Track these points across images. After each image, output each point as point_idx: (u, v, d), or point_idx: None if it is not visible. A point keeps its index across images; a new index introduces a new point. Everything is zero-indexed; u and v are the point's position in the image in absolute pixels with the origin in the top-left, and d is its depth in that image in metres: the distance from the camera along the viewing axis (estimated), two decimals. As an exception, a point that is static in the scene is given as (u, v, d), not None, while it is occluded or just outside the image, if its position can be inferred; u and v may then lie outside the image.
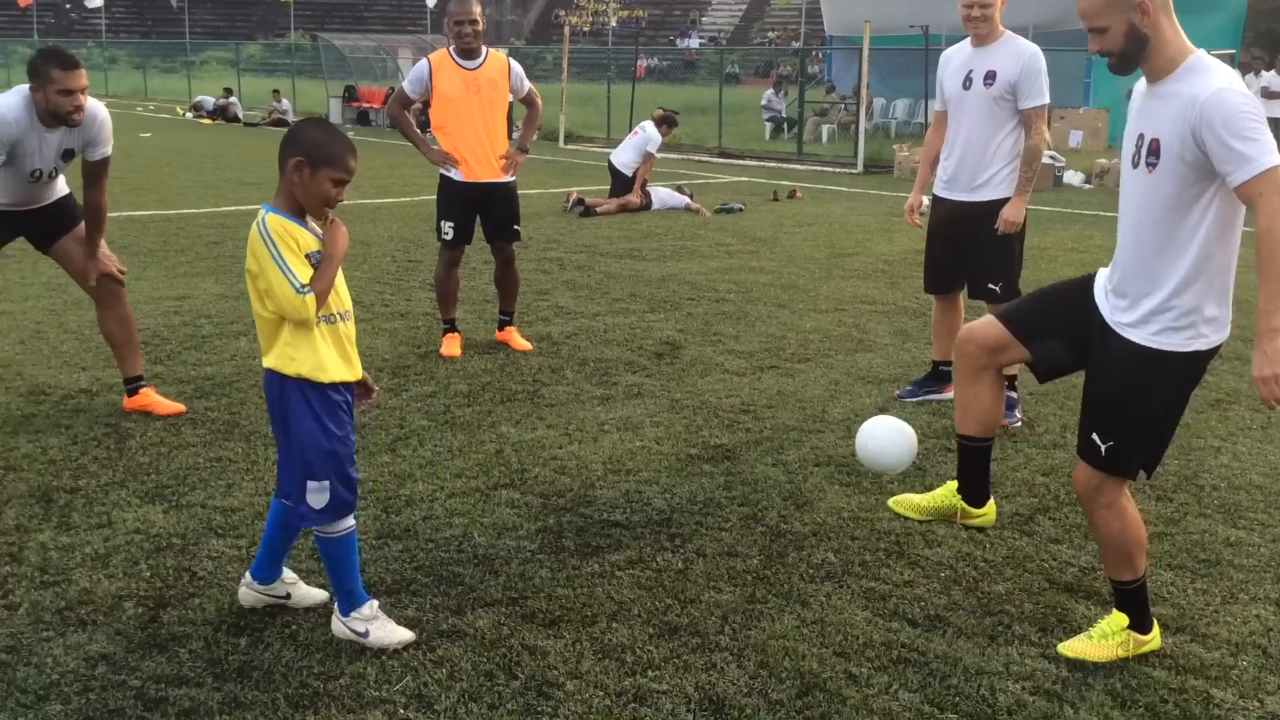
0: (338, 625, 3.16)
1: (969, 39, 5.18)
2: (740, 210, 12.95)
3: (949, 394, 5.57)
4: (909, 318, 7.42)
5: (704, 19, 66.20)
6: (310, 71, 36.72)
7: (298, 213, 3.00)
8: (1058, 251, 10.28)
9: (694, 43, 55.87)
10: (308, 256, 2.97)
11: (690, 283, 8.48)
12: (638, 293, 8.06)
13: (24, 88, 4.55)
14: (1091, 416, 3.04)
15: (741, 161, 20.36)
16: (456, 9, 5.99)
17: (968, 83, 5.10)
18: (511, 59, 6.33)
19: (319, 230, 3.04)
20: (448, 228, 6.23)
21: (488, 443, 4.81)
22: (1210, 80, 2.78)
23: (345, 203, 3.19)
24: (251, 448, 4.68)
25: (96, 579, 3.48)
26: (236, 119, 28.13)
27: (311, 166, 2.94)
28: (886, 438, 3.73)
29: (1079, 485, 3.09)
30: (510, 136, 6.45)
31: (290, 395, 2.98)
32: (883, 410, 5.32)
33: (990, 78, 5.02)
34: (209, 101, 29.47)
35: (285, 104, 28.12)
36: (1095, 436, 3.00)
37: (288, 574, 3.34)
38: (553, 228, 11.26)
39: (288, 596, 3.32)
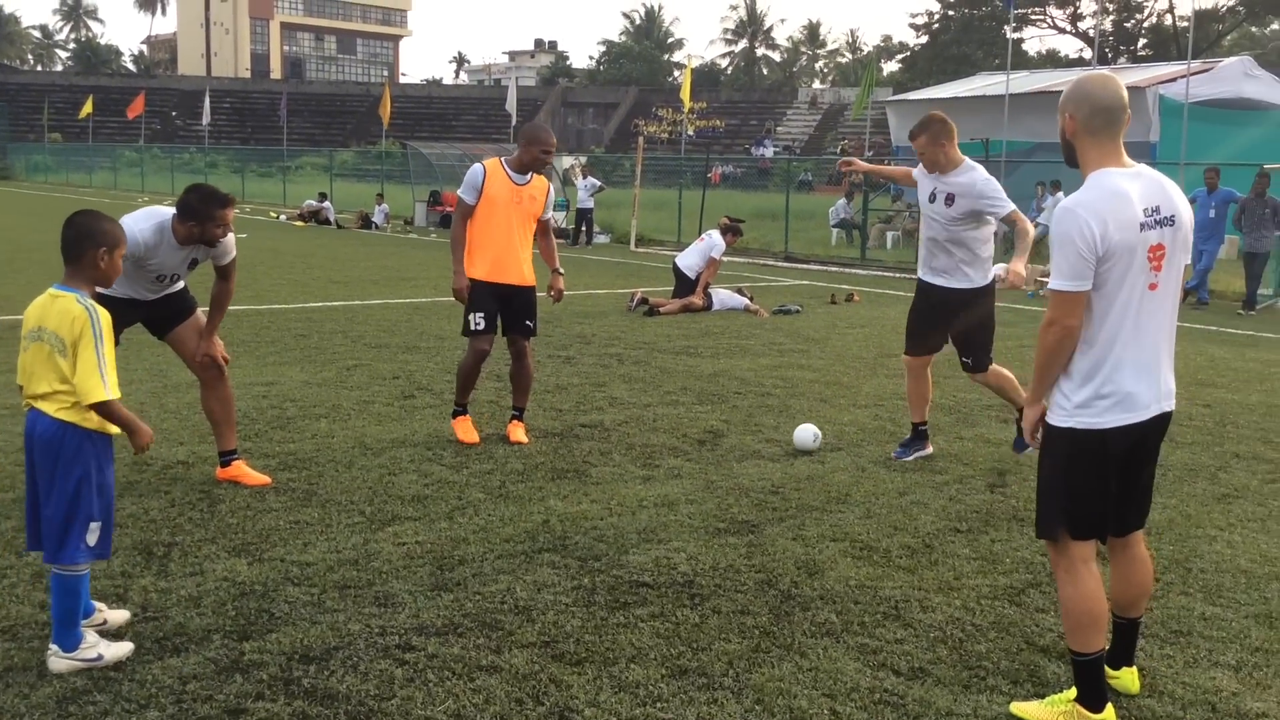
0: (61, 663, 3.56)
1: None
2: (798, 312, 13.48)
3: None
4: (943, 413, 7.83)
5: (779, 128, 67.79)
6: (399, 177, 38.50)
7: (93, 292, 3.65)
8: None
9: (768, 151, 57.25)
10: None
11: (740, 378, 8.99)
12: (689, 386, 8.60)
13: (161, 218, 5.19)
14: None
15: (806, 265, 20.95)
16: (544, 137, 6.58)
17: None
18: (551, 185, 6.84)
19: None
20: (479, 318, 6.57)
21: (536, 514, 5.33)
22: None
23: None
24: (327, 513, 5.26)
25: (189, 616, 4.04)
26: (328, 221, 29.54)
27: (112, 251, 3.65)
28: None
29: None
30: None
31: (82, 444, 3.54)
32: (903, 493, 5.76)
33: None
34: (314, 204, 30.86)
35: (384, 208, 29.48)
36: None
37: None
38: (616, 326, 11.89)
39: (104, 622, 3.85)
